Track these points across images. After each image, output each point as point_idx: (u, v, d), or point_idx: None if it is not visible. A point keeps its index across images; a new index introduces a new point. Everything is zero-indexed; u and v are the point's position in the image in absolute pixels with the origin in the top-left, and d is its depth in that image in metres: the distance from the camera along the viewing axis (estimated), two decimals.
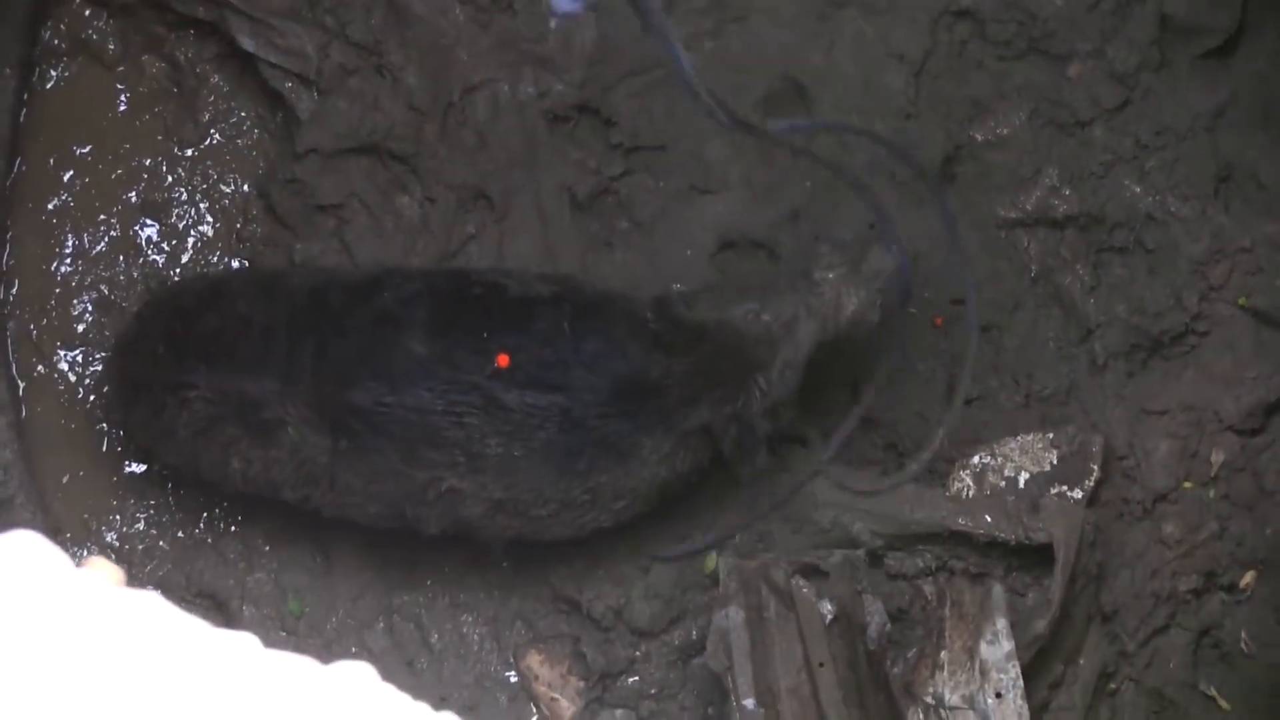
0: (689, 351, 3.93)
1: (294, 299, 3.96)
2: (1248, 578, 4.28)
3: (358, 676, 1.61)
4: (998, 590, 4.12)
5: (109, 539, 4.32)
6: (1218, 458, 4.32)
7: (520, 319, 3.88)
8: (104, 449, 4.35)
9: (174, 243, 4.48)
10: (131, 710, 1.43)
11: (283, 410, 3.81)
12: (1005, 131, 4.46)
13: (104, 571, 1.67)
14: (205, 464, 3.99)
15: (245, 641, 1.55)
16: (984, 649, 4.04)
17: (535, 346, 3.84)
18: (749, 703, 3.89)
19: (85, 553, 4.28)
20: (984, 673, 4.02)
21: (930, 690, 4.05)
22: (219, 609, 4.28)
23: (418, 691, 1.64)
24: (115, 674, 1.45)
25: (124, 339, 4.09)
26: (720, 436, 3.97)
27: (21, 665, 1.42)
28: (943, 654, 4.10)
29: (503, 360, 3.79)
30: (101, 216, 4.47)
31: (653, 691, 4.27)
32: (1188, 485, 4.31)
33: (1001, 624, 4.05)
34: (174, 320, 3.97)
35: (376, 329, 3.84)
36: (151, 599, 1.54)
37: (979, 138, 4.48)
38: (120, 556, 4.29)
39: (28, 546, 1.54)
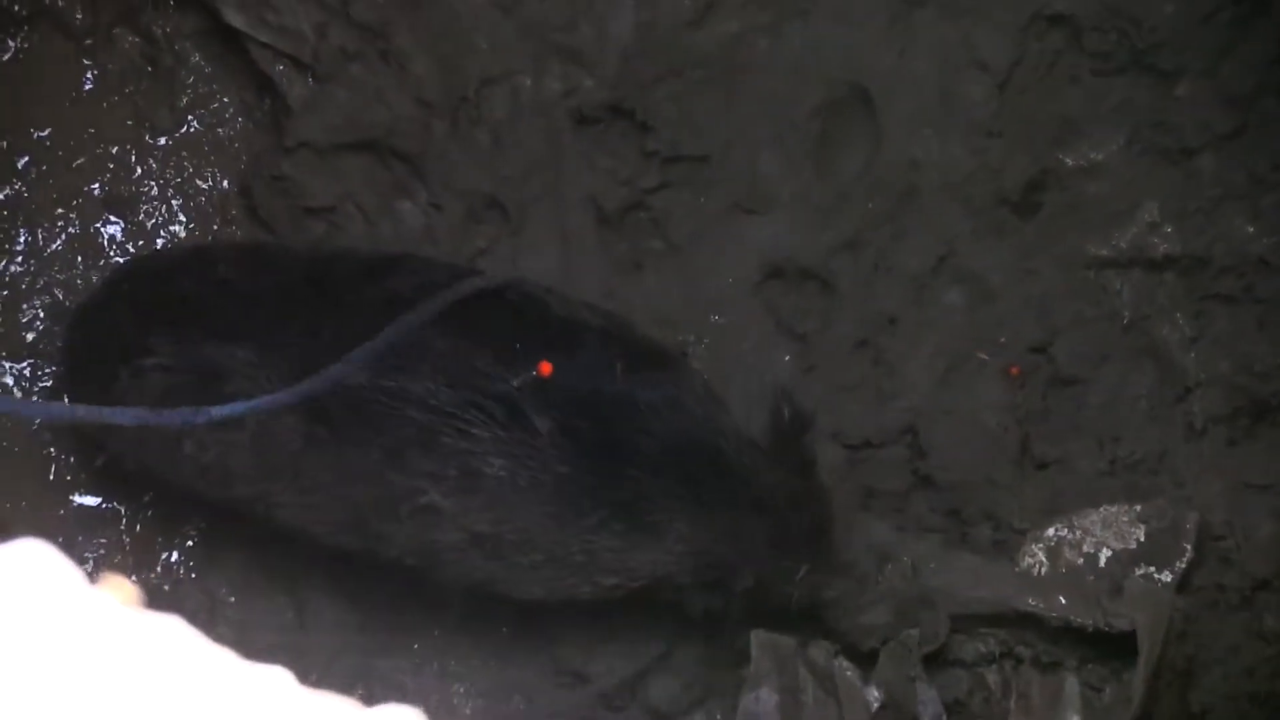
0: (791, 469, 3.84)
1: (290, 266, 3.81)
2: None
3: None
4: (1071, 683, 4.07)
5: None
6: None
7: (563, 341, 3.69)
8: (51, 477, 4.21)
9: (140, 243, 4.36)
10: None
11: (253, 385, 3.59)
12: (1100, 157, 4.33)
13: (121, 591, 1.64)
14: (154, 450, 3.79)
15: (278, 677, 1.55)
16: None
17: (576, 374, 3.64)
18: None
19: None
20: None
21: None
22: None
23: None
24: (133, 707, 1.44)
25: (83, 308, 3.94)
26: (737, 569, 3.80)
27: (29, 694, 1.41)
28: None
29: (545, 368, 3.57)
30: (59, 210, 4.34)
31: None
32: None
33: None
34: (143, 285, 3.82)
35: (387, 311, 3.58)
36: (174, 624, 1.53)
37: (1069, 163, 4.34)
38: None
39: (35, 558, 1.52)
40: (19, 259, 4.30)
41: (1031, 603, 4.06)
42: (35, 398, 4.22)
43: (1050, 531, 4.16)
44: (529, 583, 3.79)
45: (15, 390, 4.23)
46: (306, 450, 3.63)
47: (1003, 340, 4.28)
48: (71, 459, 4.18)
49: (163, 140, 4.39)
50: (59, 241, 4.33)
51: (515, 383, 3.57)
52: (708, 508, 3.73)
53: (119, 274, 3.96)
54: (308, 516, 3.77)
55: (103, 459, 4.09)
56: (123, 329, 3.74)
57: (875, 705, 3.98)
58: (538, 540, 3.68)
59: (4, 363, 4.23)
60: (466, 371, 3.59)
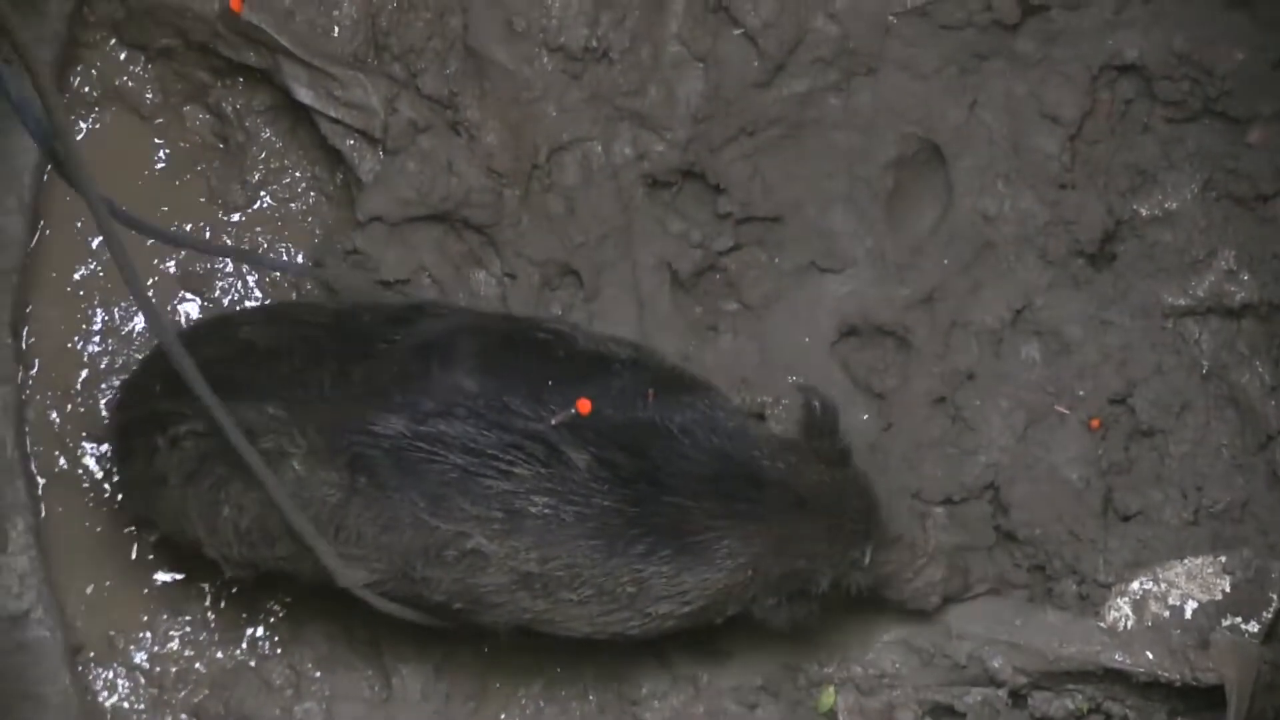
0: (829, 463, 3.88)
1: (313, 321, 3.91)
2: None
3: None
4: None
5: (138, 659, 4.27)
6: None
7: (593, 374, 3.81)
8: (133, 555, 4.30)
9: None
10: None
11: (287, 439, 3.70)
12: (1174, 205, 4.38)
13: None
14: (196, 517, 3.87)
15: None
16: None
17: (609, 405, 3.74)
18: None
19: (111, 674, 4.24)
20: None
21: None
22: None
23: None
24: None
25: (124, 386, 4.09)
26: (788, 561, 3.85)
27: None
28: None
29: (583, 406, 3.69)
30: None
31: None
32: None
33: None
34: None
35: (419, 355, 3.74)
36: None
37: (1144, 212, 4.38)
38: (150, 679, 4.26)
39: None
40: (96, 339, 4.39)
41: (1119, 658, 4.10)
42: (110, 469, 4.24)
43: (1135, 585, 4.19)
44: (576, 620, 3.87)
45: (97, 472, 4.31)
46: (348, 502, 3.73)
47: (1082, 393, 4.30)
48: (152, 537, 4.24)
49: (235, 216, 4.47)
50: (136, 321, 4.40)
51: (552, 420, 3.68)
52: (757, 521, 3.80)
53: (155, 352, 4.04)
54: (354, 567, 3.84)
55: (155, 536, 4.19)
56: (159, 401, 3.85)
57: None
58: (585, 574, 3.77)
59: (85, 443, 4.33)
60: (501, 412, 3.69)
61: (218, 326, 3.98)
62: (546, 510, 3.70)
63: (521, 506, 3.70)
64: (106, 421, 4.21)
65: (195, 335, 3.95)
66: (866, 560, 3.92)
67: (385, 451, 3.68)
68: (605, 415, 3.73)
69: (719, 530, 3.78)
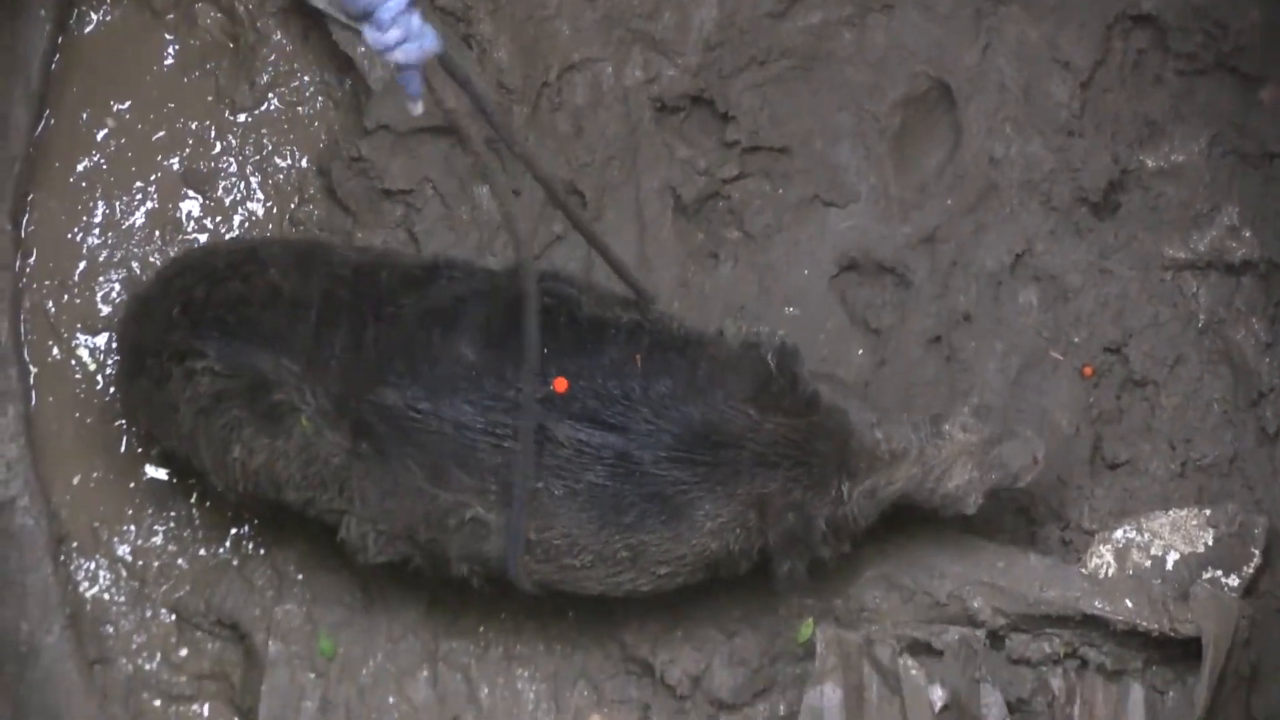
0: (791, 414, 3.96)
1: (335, 273, 4.01)
2: None
3: None
4: (1136, 692, 4.18)
5: (121, 552, 4.38)
6: None
7: (588, 341, 3.94)
8: (122, 449, 4.41)
9: (217, 219, 4.54)
10: None
11: (299, 396, 3.87)
12: (1181, 159, 4.49)
13: None
14: (205, 449, 4.04)
15: None
16: None
17: (599, 375, 3.89)
18: None
19: (93, 566, 4.34)
20: None
21: None
22: (240, 641, 4.36)
23: None
24: None
25: (139, 299, 4.14)
26: (775, 519, 3.96)
27: None
28: None
29: (559, 385, 3.84)
30: (137, 184, 4.52)
31: None
32: None
33: None
34: (197, 283, 4.01)
35: (424, 323, 3.89)
36: None
37: (1150, 164, 4.50)
38: (132, 573, 4.38)
39: None
40: (96, 232, 4.48)
41: (1098, 605, 4.19)
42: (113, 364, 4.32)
43: (1119, 534, 4.29)
44: (585, 581, 4.04)
45: (90, 364, 4.42)
46: (351, 465, 3.90)
47: (1077, 340, 4.42)
48: (154, 450, 4.36)
49: (242, 117, 4.55)
50: (137, 215, 4.50)
51: (538, 394, 3.81)
52: (726, 482, 3.90)
53: (173, 268, 4.14)
54: (359, 526, 4.01)
55: (157, 449, 4.34)
56: (177, 326, 3.97)
57: (939, 704, 4.10)
58: (583, 543, 3.93)
59: (80, 335, 4.43)
60: (497, 384, 3.84)
61: (245, 260, 4.03)
62: (538, 484, 3.85)
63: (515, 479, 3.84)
64: (117, 332, 4.26)
65: (221, 262, 4.02)
66: (848, 495, 3.97)
67: (385, 421, 3.83)
68: (590, 386, 3.85)
69: (694, 494, 3.90)
